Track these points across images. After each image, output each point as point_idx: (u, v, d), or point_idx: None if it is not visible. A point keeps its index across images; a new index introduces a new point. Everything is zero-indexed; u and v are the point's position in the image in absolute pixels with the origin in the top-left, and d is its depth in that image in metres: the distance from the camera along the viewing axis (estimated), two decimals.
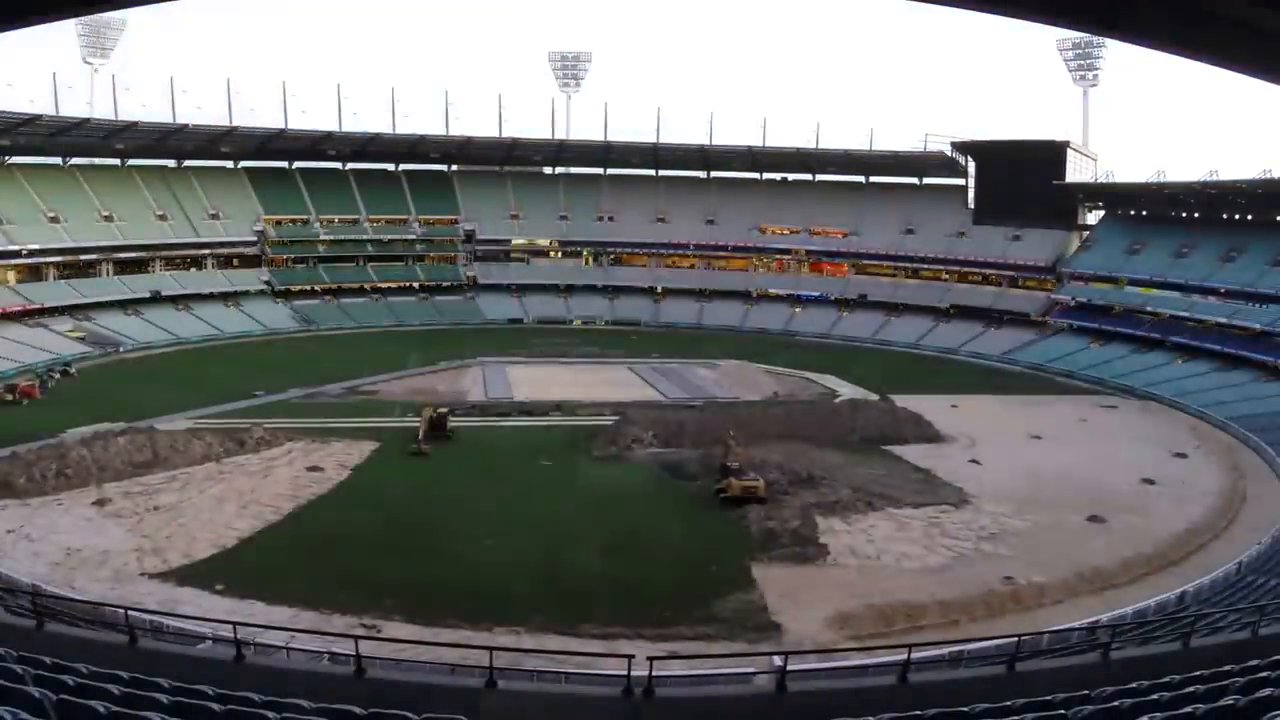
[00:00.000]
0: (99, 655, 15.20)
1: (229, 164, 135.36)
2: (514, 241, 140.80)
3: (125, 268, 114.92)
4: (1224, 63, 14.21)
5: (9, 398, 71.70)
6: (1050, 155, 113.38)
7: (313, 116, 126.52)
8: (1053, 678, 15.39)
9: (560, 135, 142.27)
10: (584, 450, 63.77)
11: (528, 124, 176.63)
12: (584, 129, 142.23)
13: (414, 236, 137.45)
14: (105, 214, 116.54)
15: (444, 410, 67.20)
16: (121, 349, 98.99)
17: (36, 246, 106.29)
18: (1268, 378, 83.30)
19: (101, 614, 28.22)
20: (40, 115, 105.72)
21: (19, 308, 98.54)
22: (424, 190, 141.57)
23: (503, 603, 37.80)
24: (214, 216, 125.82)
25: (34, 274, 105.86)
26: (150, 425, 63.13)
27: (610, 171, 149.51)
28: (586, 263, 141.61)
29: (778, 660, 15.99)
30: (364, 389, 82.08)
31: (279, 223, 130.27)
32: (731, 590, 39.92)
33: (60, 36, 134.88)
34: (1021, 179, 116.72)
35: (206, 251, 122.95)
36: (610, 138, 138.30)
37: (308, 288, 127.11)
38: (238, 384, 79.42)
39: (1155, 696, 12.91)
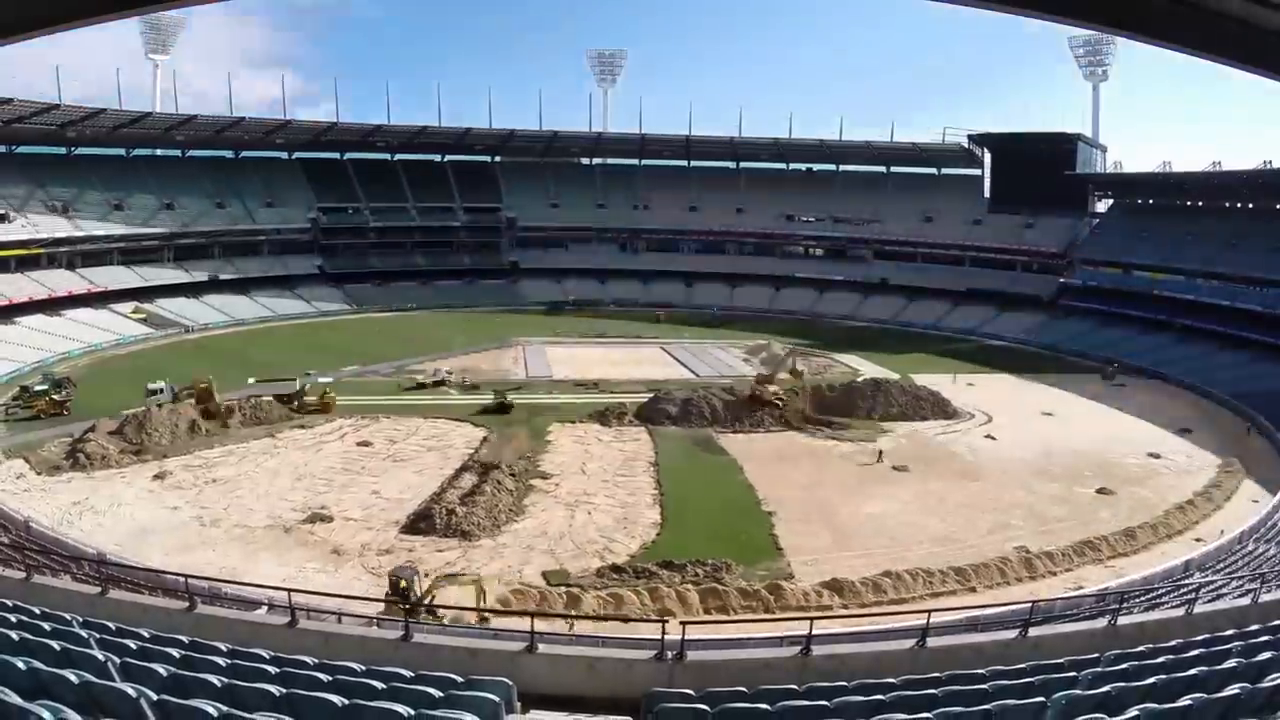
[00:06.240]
0: (160, 620, 15.40)
1: (283, 155, 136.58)
2: (553, 228, 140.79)
3: (185, 253, 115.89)
4: (1228, 60, 13.96)
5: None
6: (1062, 147, 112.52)
7: (362, 110, 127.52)
8: (1063, 642, 15.33)
9: (598, 128, 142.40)
10: (618, 425, 63.78)
11: (567, 118, 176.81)
12: (620, 123, 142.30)
13: (458, 224, 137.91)
14: (166, 202, 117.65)
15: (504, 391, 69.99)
16: (185, 330, 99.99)
17: (101, 233, 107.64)
18: (1268, 356, 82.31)
19: (162, 581, 28.56)
20: (104, 109, 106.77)
21: (84, 291, 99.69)
22: (468, 180, 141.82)
23: (540, 568, 38.01)
24: (269, 205, 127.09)
25: (98, 259, 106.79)
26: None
27: (645, 162, 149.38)
28: (622, 248, 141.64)
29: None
30: (411, 368, 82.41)
31: (331, 210, 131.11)
32: (760, 558, 39.94)
33: (123, 34, 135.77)
34: (1035, 169, 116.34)
35: (262, 238, 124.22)
36: (645, 130, 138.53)
37: (358, 272, 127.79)
38: (292, 363, 79.96)
39: (1160, 660, 12.84)
